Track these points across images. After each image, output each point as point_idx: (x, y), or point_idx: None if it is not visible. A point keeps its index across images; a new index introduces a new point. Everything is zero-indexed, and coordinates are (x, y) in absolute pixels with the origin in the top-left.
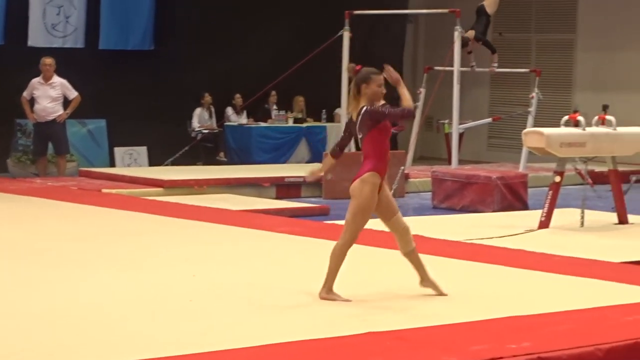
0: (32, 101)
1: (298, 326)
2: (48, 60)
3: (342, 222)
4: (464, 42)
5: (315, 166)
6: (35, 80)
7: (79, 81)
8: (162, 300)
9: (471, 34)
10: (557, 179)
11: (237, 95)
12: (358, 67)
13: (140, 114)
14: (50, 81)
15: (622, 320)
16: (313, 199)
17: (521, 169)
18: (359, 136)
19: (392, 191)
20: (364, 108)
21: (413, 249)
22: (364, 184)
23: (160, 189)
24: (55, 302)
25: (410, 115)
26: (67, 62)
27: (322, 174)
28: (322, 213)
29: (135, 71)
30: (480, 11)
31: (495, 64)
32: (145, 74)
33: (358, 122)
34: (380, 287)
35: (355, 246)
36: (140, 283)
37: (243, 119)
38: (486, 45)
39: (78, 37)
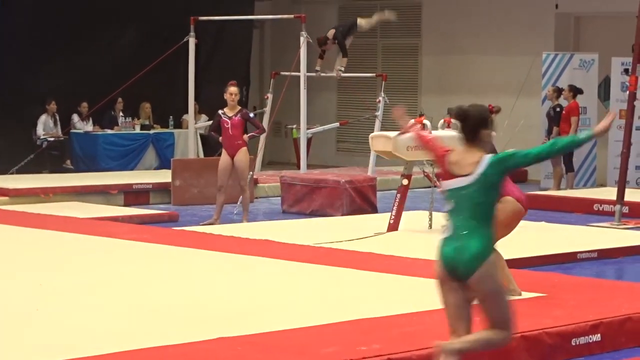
0: None
1: (147, 332)
2: None
3: (190, 229)
4: (323, 41)
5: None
6: None
7: None
8: (8, 309)
9: (331, 33)
10: (405, 182)
11: (84, 104)
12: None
13: None
14: None
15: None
16: (162, 206)
17: (370, 172)
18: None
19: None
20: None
21: None
22: None
23: (5, 198)
24: None
25: None
26: None
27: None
28: (170, 220)
29: None
30: (353, 20)
31: (342, 68)
32: None
33: None
34: (231, 292)
35: (208, 252)
36: None
37: (89, 126)
38: (341, 47)
39: None
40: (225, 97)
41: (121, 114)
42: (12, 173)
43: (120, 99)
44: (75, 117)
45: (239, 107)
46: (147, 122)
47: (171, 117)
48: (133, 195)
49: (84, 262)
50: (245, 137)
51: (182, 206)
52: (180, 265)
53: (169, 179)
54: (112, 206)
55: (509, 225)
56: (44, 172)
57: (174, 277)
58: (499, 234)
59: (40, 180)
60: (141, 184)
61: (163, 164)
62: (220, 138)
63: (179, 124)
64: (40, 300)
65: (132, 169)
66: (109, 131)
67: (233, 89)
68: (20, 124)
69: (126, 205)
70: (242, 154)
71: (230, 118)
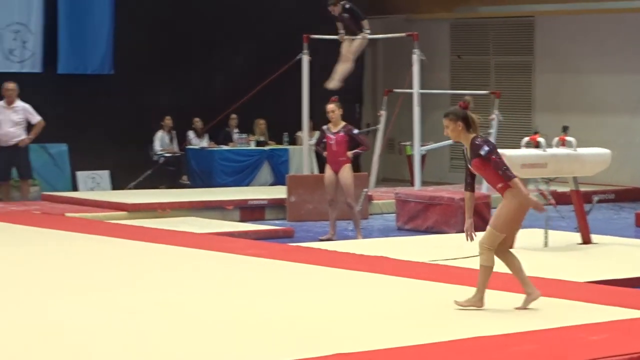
0: None
1: (263, 348)
2: (10, 85)
3: (305, 244)
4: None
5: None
6: None
7: (39, 106)
8: (127, 324)
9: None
10: None
11: (196, 119)
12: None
13: (101, 137)
14: (13, 105)
15: (587, 340)
16: (277, 222)
17: (484, 190)
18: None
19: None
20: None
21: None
22: None
23: (123, 213)
24: (19, 326)
25: None
26: (26, 87)
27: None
28: (286, 235)
29: (95, 95)
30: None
31: (367, 30)
32: (106, 98)
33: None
34: (347, 308)
35: (324, 268)
36: (106, 307)
37: (205, 142)
38: (355, 18)
39: (36, 62)
40: None
41: (236, 130)
42: (129, 188)
43: (234, 116)
44: (191, 134)
45: (343, 123)
46: (262, 139)
47: (286, 133)
48: (248, 211)
49: (199, 277)
50: (349, 153)
51: (297, 222)
52: (295, 280)
53: (284, 195)
54: (228, 222)
55: (517, 218)
56: (161, 188)
57: (289, 292)
58: (505, 228)
59: (157, 196)
60: (256, 199)
61: (278, 180)
62: (325, 153)
63: (293, 141)
64: (155, 314)
65: (247, 185)
66: (225, 147)
67: (329, 106)
68: (137, 140)
69: (242, 220)
70: (346, 171)
71: (333, 134)
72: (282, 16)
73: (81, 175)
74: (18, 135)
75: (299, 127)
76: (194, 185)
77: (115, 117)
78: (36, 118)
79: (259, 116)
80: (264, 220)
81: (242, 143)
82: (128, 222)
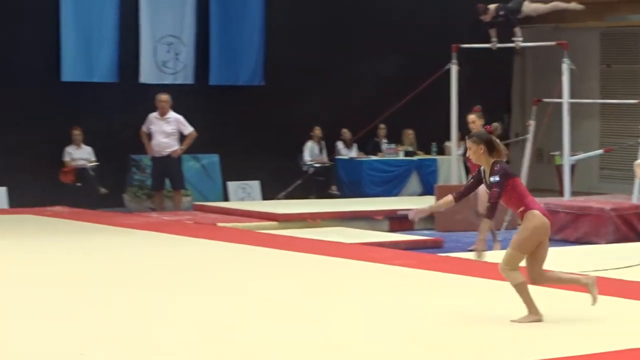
0: (149, 135)
1: (407, 357)
2: (164, 97)
3: (454, 255)
4: (482, 10)
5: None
6: (152, 115)
7: (190, 117)
8: (273, 330)
9: (493, 7)
10: None
11: (344, 130)
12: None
13: (252, 148)
14: (166, 116)
15: None
16: (426, 232)
17: (634, 200)
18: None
19: (506, 223)
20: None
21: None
22: None
23: (274, 223)
24: (175, 331)
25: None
26: (179, 98)
27: (428, 212)
28: (435, 246)
29: (245, 106)
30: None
31: (519, 39)
32: (256, 108)
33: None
34: (492, 319)
35: (472, 279)
36: (252, 312)
37: (353, 153)
38: (510, 20)
39: (188, 74)
40: None
41: (384, 140)
42: (279, 198)
43: (382, 126)
44: (339, 144)
45: None
46: (410, 149)
47: (434, 143)
48: (397, 221)
49: (350, 287)
50: None
51: (446, 232)
52: (443, 291)
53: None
54: (377, 232)
55: (535, 238)
56: (310, 198)
57: (437, 302)
58: (526, 249)
59: (307, 206)
60: (405, 210)
61: (426, 190)
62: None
63: (441, 151)
64: (297, 321)
65: (395, 195)
66: (373, 157)
67: (470, 117)
68: (286, 151)
69: (391, 231)
70: None
71: None
72: (430, 25)
73: (232, 185)
74: (171, 145)
75: (447, 137)
76: (342, 195)
77: (266, 128)
78: (188, 129)
79: (407, 126)
80: (413, 230)
81: (391, 153)
82: (278, 232)
